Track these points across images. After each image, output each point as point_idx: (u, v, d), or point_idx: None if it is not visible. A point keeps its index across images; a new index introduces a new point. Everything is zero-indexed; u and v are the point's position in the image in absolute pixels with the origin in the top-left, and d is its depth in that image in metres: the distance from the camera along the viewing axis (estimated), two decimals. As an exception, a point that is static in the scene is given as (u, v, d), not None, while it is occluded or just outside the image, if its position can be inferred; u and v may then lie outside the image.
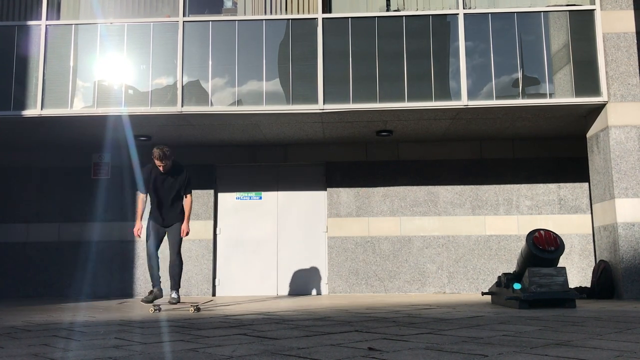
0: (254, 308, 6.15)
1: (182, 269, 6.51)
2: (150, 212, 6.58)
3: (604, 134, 7.47)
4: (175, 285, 6.43)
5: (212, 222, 9.13)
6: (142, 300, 6.37)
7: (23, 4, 7.87)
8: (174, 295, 6.45)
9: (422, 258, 8.92)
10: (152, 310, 5.71)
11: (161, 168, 6.38)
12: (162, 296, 6.44)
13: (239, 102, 7.57)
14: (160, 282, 6.45)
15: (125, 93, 7.61)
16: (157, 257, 6.46)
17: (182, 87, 7.58)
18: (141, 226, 6.51)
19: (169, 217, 6.54)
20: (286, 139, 8.92)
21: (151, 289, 6.47)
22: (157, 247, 6.49)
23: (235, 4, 8.03)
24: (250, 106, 7.55)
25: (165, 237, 6.75)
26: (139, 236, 6.50)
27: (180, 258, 6.49)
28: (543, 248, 5.80)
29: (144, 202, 6.53)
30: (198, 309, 5.67)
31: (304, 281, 9.06)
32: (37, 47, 7.69)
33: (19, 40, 7.73)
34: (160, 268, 6.73)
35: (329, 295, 8.58)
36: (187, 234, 6.47)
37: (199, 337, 3.57)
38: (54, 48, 7.70)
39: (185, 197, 6.58)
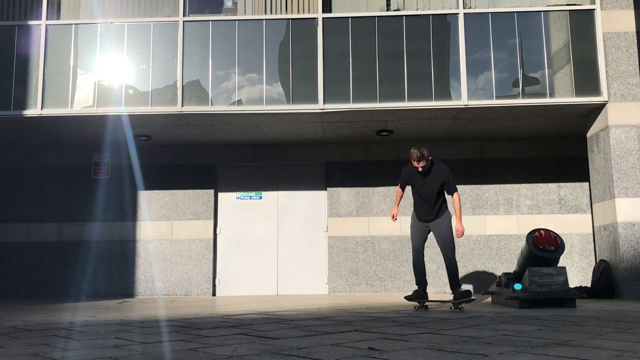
0: (254, 308, 6.14)
1: (457, 268, 6.08)
2: (414, 210, 6.31)
3: (604, 133, 7.46)
4: (456, 284, 6.02)
5: (212, 221, 9.13)
6: (405, 297, 6.12)
7: (23, 4, 7.86)
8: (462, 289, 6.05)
9: (422, 258, 8.90)
10: (416, 307, 5.81)
11: (420, 169, 6.04)
12: (425, 298, 6.09)
13: (239, 102, 7.57)
14: (425, 285, 6.11)
15: (125, 93, 7.60)
16: (423, 257, 6.17)
17: (182, 86, 7.57)
18: (397, 212, 6.40)
19: (432, 214, 6.17)
20: (286, 138, 8.92)
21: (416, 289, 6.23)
22: (422, 247, 6.19)
23: (235, 3, 8.03)
24: (250, 106, 7.55)
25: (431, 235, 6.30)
26: (394, 219, 6.23)
27: (454, 257, 6.06)
28: (543, 248, 5.80)
29: (400, 195, 6.44)
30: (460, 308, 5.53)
31: (304, 281, 9.05)
32: (37, 47, 7.69)
33: (19, 40, 7.73)
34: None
35: (329, 295, 8.57)
36: (463, 234, 6.06)
37: (199, 337, 3.56)
38: (54, 48, 7.70)
39: (452, 196, 6.14)
